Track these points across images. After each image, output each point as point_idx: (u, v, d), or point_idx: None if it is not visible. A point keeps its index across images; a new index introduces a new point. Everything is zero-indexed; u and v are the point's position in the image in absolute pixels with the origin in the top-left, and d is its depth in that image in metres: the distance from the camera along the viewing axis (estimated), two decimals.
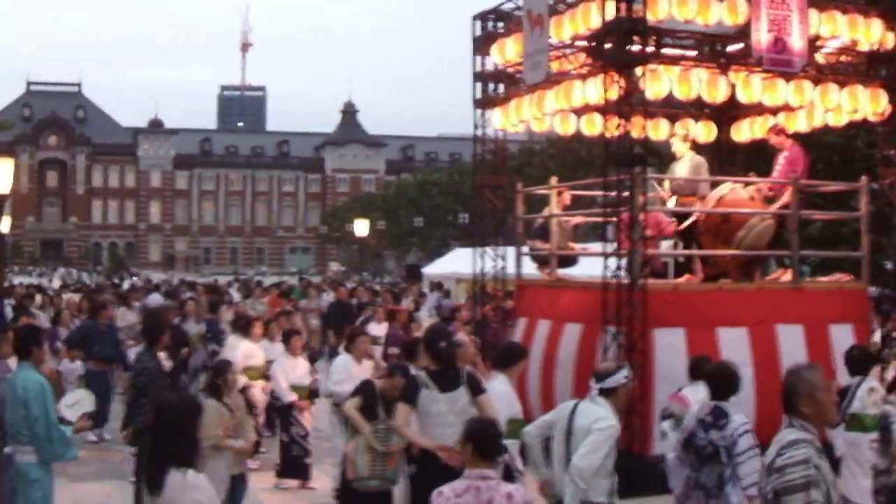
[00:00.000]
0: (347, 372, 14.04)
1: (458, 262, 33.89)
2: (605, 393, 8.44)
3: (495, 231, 20.87)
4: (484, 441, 7.07)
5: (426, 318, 27.15)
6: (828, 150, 23.80)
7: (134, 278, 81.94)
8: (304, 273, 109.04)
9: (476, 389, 10.05)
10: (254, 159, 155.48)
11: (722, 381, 9.64)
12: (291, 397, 15.38)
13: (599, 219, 16.40)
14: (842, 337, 16.43)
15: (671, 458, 10.06)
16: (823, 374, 7.06)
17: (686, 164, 17.82)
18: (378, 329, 24.96)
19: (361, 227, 61.44)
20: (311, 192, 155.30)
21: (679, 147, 18.00)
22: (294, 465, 15.52)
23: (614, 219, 15.67)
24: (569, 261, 18.56)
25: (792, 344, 16.14)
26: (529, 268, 19.66)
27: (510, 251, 19.81)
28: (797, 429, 6.68)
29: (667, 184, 18.12)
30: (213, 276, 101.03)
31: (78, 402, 10.66)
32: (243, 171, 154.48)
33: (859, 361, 12.72)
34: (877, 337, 18.42)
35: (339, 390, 13.94)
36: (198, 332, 21.11)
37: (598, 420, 8.20)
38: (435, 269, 49.51)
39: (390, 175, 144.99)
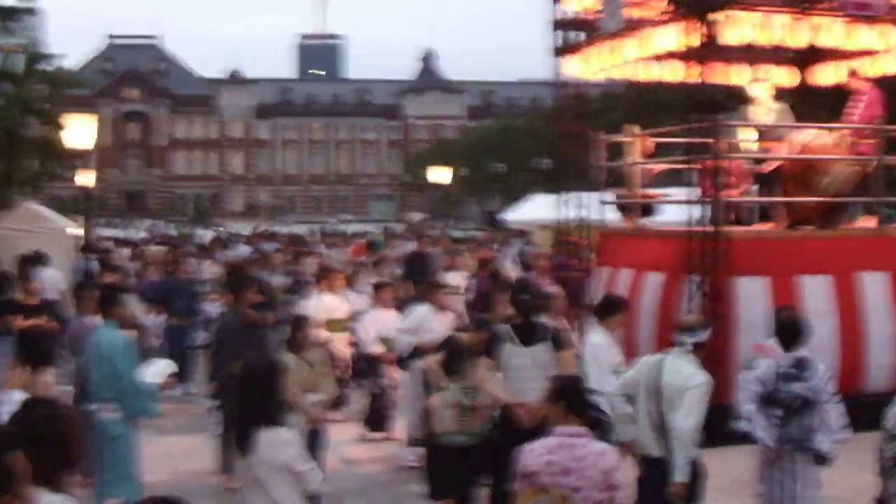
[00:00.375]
0: (426, 323, 13.98)
1: (539, 209, 33.67)
2: (696, 348, 8.41)
3: (577, 177, 20.75)
4: (575, 397, 7.01)
5: (510, 267, 27.06)
6: None
7: (219, 228, 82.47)
8: (387, 222, 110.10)
9: (559, 344, 10.03)
10: (334, 107, 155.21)
11: (791, 327, 9.55)
12: (376, 349, 15.41)
13: (682, 166, 16.18)
14: None
15: (751, 409, 9.98)
16: None
17: (770, 110, 17.61)
18: (457, 278, 24.90)
19: (440, 175, 61.25)
20: (392, 140, 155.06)
21: (762, 93, 17.77)
22: (380, 417, 15.61)
23: (697, 166, 15.54)
24: (649, 209, 18.46)
25: (876, 292, 16.00)
26: (612, 216, 19.60)
27: (593, 198, 19.71)
28: None
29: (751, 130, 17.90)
30: (296, 224, 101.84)
31: (159, 369, 10.78)
32: (324, 119, 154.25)
33: None
34: None
35: (402, 339, 13.98)
36: (282, 285, 21.25)
37: (691, 377, 8.16)
38: (516, 216, 49.35)
39: (471, 121, 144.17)
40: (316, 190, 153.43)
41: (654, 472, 8.25)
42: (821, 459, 9.43)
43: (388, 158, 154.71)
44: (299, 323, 12.00)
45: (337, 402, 15.87)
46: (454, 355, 10.94)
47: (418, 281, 25.54)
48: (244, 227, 76.34)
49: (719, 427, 14.29)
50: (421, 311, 14.30)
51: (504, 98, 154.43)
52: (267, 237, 42.19)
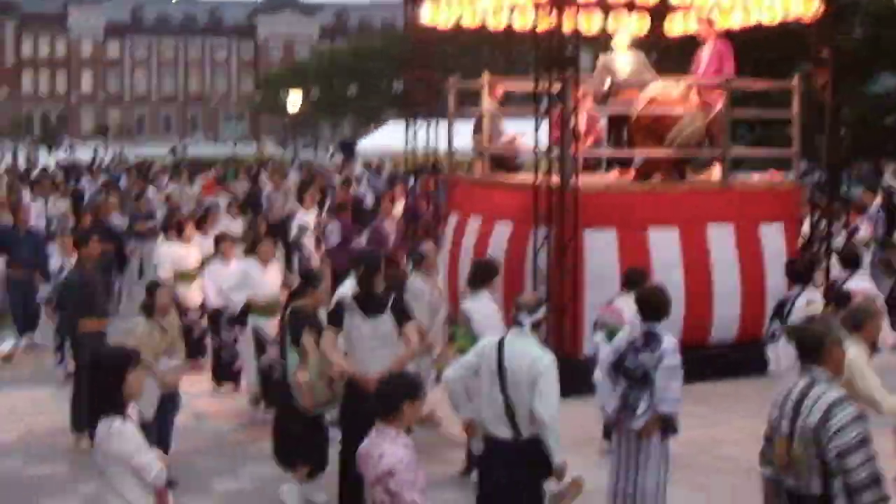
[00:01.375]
0: (250, 279, 13.79)
1: (392, 136, 33.52)
2: (534, 327, 8.38)
3: (429, 105, 20.57)
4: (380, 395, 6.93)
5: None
6: (759, 48, 23.66)
7: (68, 148, 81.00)
8: (240, 141, 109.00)
9: (401, 317, 9.94)
10: (186, 26, 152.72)
11: (653, 305, 9.62)
12: (220, 302, 15.19)
13: (531, 115, 16.09)
14: (772, 236, 16.54)
15: (598, 376, 10.09)
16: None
17: (630, 60, 17.63)
18: (307, 216, 24.56)
19: (295, 101, 60.68)
20: (244, 60, 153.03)
21: (617, 42, 17.79)
22: (226, 370, 15.44)
23: (546, 117, 15.51)
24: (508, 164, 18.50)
25: (722, 243, 16.21)
26: (464, 144, 19.70)
27: (445, 127, 19.62)
28: (828, 383, 6.57)
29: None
30: (147, 143, 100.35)
31: None
32: (175, 38, 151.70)
33: (800, 271, 12.74)
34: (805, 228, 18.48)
35: (231, 297, 13.82)
36: (124, 225, 20.91)
37: (537, 360, 8.13)
38: (369, 143, 49.20)
39: (324, 42, 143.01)
40: (167, 110, 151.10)
41: (498, 452, 8.24)
42: (666, 428, 9.53)
43: (240, 79, 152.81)
44: (154, 288, 11.74)
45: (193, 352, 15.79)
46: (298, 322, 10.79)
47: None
48: (88, 152, 74.87)
49: (568, 380, 14.47)
50: (245, 266, 14.07)
51: (357, 19, 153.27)
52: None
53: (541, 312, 8.37)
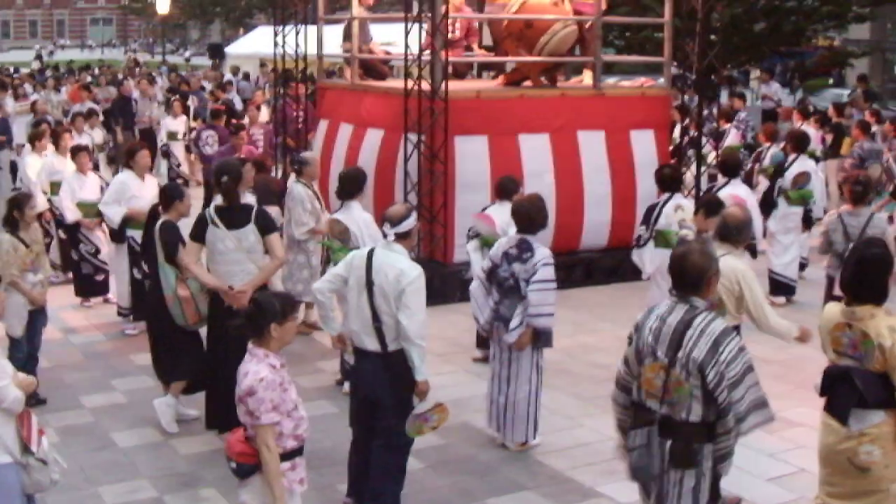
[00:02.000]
0: (128, 190, 13.42)
1: (261, 42, 33.06)
2: (399, 237, 8.26)
3: (302, 13, 20.25)
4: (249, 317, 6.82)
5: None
6: None
7: None
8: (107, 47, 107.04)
9: (265, 228, 9.74)
10: None
11: (529, 215, 9.57)
12: (76, 216, 14.70)
13: (400, 21, 15.85)
14: (643, 142, 16.58)
15: (474, 286, 10.04)
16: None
17: None
18: (176, 123, 24.16)
19: (163, 4, 59.43)
20: None
21: None
22: (88, 284, 15.10)
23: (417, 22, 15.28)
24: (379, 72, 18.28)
25: (593, 149, 16.21)
26: (334, 49, 19.47)
27: (312, 31, 19.36)
28: (708, 312, 6.48)
29: None
30: (12, 49, 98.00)
31: None
32: None
33: (669, 178, 12.76)
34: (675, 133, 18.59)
35: (108, 212, 13.45)
36: None
37: (403, 274, 8.01)
38: (238, 48, 48.44)
39: None
40: (32, 14, 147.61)
41: (368, 364, 8.15)
42: (539, 341, 9.54)
43: None
44: (19, 200, 11.30)
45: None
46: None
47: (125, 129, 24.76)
48: None
49: (440, 287, 14.48)
50: (121, 178, 13.70)
51: None
52: None
53: (407, 224, 8.22)
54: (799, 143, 15.77)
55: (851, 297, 7.10)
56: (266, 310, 6.64)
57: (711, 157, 17.57)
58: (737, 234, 8.80)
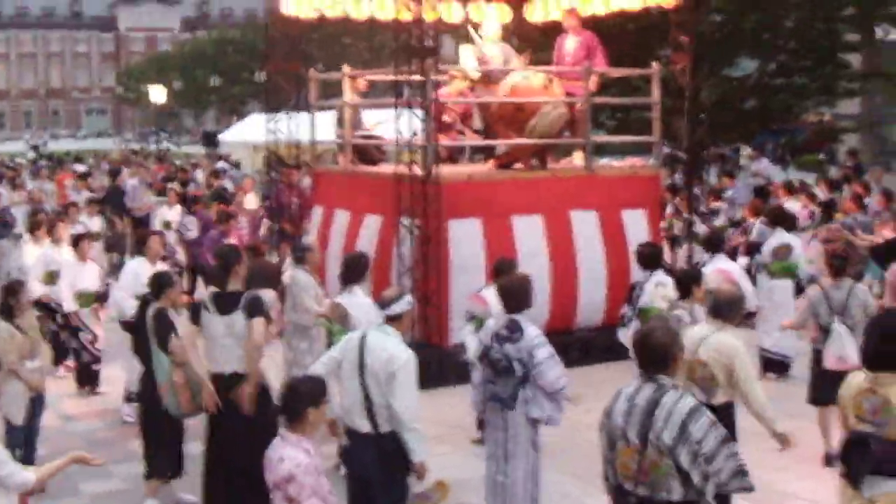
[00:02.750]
0: (141, 278, 13.41)
1: (255, 129, 33.31)
2: (391, 320, 8.34)
3: (294, 100, 20.43)
4: (284, 402, 6.83)
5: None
6: (620, 38, 23.84)
7: None
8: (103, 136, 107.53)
9: (250, 313, 9.74)
10: (45, 19, 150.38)
11: (514, 294, 9.62)
12: (73, 307, 14.76)
13: (393, 107, 16.02)
14: (635, 221, 16.72)
15: (474, 374, 10.10)
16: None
17: (497, 49, 17.65)
18: (171, 213, 24.11)
19: (158, 94, 59.92)
20: (106, 52, 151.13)
21: (485, 32, 17.81)
22: (88, 373, 15.14)
23: (409, 108, 15.45)
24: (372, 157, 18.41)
25: (586, 229, 16.34)
26: (327, 136, 19.71)
27: (307, 118, 19.51)
28: (677, 390, 6.44)
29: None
30: (8, 140, 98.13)
31: None
32: (35, 31, 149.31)
33: (649, 256, 12.89)
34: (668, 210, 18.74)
35: (124, 305, 13.40)
36: None
37: (394, 358, 8.07)
38: (232, 135, 48.80)
39: (186, 33, 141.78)
40: (27, 104, 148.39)
41: (359, 446, 8.21)
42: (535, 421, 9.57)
43: (101, 71, 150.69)
44: (13, 287, 11.40)
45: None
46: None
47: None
48: None
49: (435, 370, 14.52)
50: (133, 266, 13.76)
51: (219, 9, 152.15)
52: None
53: (398, 306, 8.30)
54: (776, 217, 15.94)
55: (875, 367, 7.13)
56: (303, 394, 6.66)
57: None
58: (728, 310, 8.85)
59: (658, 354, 6.42)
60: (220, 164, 38.08)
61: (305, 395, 6.66)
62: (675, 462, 6.22)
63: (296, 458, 6.48)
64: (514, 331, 9.44)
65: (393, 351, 8.09)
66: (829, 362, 11.35)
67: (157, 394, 10.30)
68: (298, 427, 6.63)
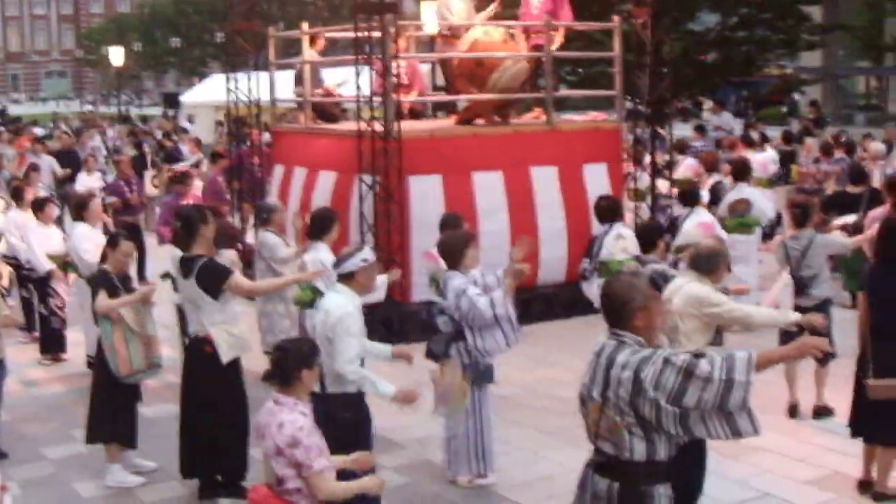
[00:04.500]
0: (93, 242, 13.29)
1: (215, 90, 33.13)
2: (343, 278, 8.28)
3: (254, 59, 20.27)
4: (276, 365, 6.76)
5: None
6: None
7: None
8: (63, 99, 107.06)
9: (212, 283, 9.56)
10: None
11: (450, 250, 9.59)
12: (48, 266, 14.67)
13: (351, 64, 15.90)
14: (596, 176, 16.71)
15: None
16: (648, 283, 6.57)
17: (461, 4, 17.48)
18: (90, 180, 23.52)
19: (117, 56, 59.21)
20: (64, 14, 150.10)
21: None
22: (57, 339, 14.98)
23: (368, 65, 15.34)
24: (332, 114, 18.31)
25: (547, 185, 16.32)
26: (285, 95, 19.42)
27: (265, 77, 19.40)
28: (635, 346, 5.98)
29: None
30: None
31: None
32: None
33: (606, 209, 12.88)
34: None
35: (90, 260, 13.35)
36: None
37: (328, 314, 8.04)
38: (192, 97, 48.51)
39: None
40: None
41: (319, 407, 8.17)
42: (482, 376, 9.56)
43: (60, 34, 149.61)
44: None
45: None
46: (111, 289, 10.39)
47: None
48: None
49: (398, 326, 14.54)
50: (80, 231, 13.59)
51: None
52: None
53: (350, 264, 8.22)
54: (738, 171, 15.95)
55: None
56: (295, 355, 6.57)
57: (665, 188, 17.78)
58: (706, 263, 8.74)
59: (616, 306, 6.10)
60: (185, 124, 37.93)
61: (298, 355, 6.56)
62: (637, 418, 5.87)
63: (296, 421, 6.37)
64: (445, 286, 9.41)
65: (329, 307, 8.06)
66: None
67: (105, 356, 10.22)
68: (293, 390, 6.52)
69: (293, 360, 6.53)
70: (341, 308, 8.04)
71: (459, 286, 9.29)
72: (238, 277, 9.75)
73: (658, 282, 9.75)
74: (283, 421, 6.38)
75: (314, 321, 8.30)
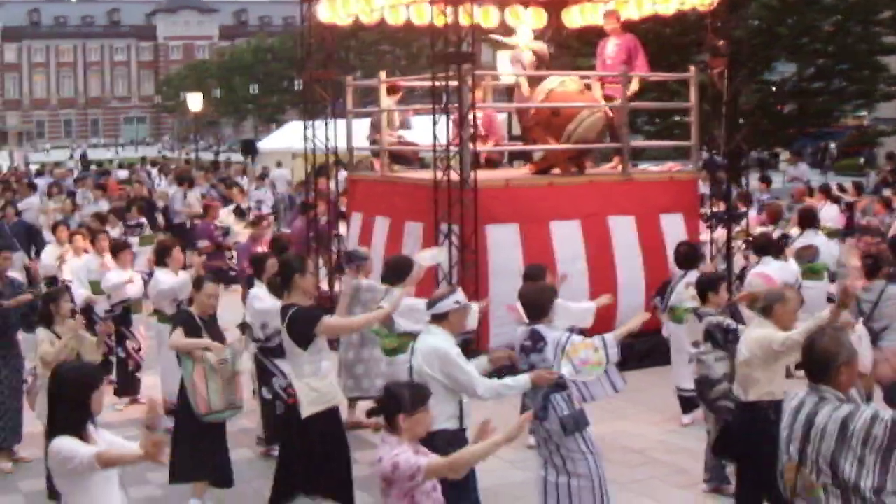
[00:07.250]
0: (173, 291, 13.40)
1: (292, 136, 33.38)
2: (435, 319, 8.37)
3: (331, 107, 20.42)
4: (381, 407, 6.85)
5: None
6: (656, 42, 23.78)
7: None
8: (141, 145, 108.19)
9: (301, 335, 9.65)
10: (84, 29, 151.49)
11: (533, 303, 9.52)
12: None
13: (428, 113, 15.98)
14: (672, 226, 16.67)
15: None
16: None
17: (532, 56, 17.56)
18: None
19: (195, 102, 60.01)
20: (144, 61, 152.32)
21: (519, 37, 17.82)
22: (130, 381, 15.08)
23: (445, 114, 15.44)
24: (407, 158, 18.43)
25: (624, 234, 16.32)
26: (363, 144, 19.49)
27: (342, 125, 19.46)
28: (832, 401, 5.91)
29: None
30: (47, 149, 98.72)
31: None
32: (73, 41, 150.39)
33: (685, 255, 13.02)
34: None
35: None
36: None
37: (436, 349, 8.15)
38: (270, 143, 48.91)
39: (224, 41, 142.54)
40: (66, 113, 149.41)
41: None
42: (565, 426, 9.49)
43: (140, 80, 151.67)
44: (55, 295, 11.47)
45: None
46: (189, 329, 10.45)
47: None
48: None
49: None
50: (161, 277, 13.66)
51: (257, 17, 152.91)
52: None
53: (442, 306, 8.34)
54: (804, 219, 15.93)
55: None
56: (393, 401, 6.68)
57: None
58: (770, 308, 8.85)
59: (821, 363, 6.04)
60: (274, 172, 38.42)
61: (396, 401, 6.66)
62: (836, 476, 5.76)
63: (396, 454, 6.49)
64: (536, 341, 9.30)
65: (430, 348, 8.17)
66: None
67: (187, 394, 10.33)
68: (395, 432, 6.63)
69: (393, 406, 6.66)
70: (443, 344, 8.15)
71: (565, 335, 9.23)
72: (329, 318, 9.82)
73: (715, 334, 9.81)
74: (382, 457, 6.53)
75: (411, 364, 8.38)
